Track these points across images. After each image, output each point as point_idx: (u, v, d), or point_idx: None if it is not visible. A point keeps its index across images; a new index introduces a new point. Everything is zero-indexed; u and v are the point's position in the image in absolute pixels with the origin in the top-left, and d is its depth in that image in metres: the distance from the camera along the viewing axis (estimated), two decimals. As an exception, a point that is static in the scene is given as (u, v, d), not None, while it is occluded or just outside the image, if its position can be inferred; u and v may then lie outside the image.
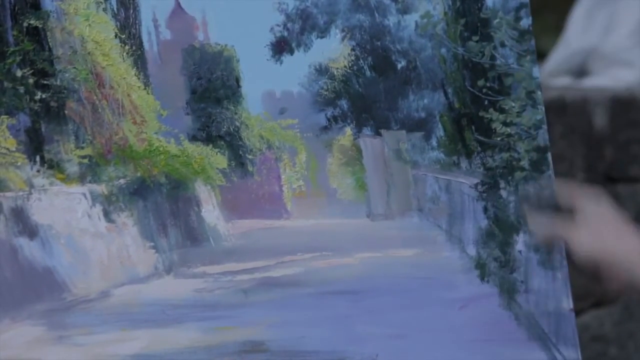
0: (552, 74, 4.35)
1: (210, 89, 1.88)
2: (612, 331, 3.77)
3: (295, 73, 1.91)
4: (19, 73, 1.77)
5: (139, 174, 1.83)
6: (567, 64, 4.35)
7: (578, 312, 3.61)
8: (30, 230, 1.73)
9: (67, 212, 1.77)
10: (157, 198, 1.83)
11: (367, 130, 1.93)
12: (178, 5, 1.87)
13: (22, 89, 1.77)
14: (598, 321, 3.73)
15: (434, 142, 1.95)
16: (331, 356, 1.81)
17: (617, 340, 3.79)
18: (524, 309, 1.91)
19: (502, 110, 1.92)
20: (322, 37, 1.93)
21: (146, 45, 1.86)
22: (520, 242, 1.93)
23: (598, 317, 3.73)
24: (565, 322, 1.91)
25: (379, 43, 1.94)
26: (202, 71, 1.88)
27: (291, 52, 1.91)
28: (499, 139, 1.89)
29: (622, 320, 3.81)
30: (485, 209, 1.93)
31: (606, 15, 4.30)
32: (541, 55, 4.58)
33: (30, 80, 1.78)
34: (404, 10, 1.95)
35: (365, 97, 1.93)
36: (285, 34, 1.91)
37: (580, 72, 4.33)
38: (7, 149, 1.74)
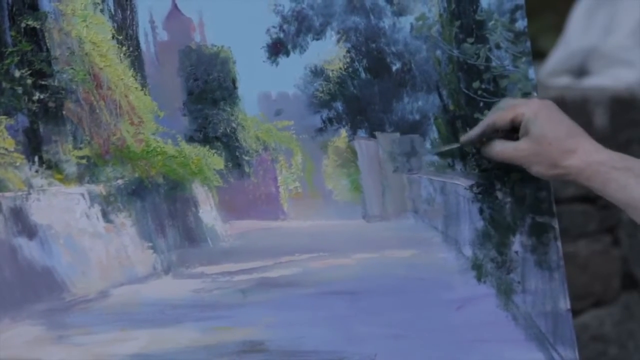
0: (552, 73, 4.36)
1: (207, 90, 1.89)
2: (612, 331, 3.78)
3: (291, 75, 1.91)
4: (17, 74, 1.78)
5: (136, 175, 1.84)
6: (567, 64, 4.35)
7: (578, 312, 3.62)
8: (29, 230, 1.74)
9: (66, 212, 1.77)
10: (155, 198, 1.84)
11: (361, 133, 1.93)
12: (175, 6, 1.87)
13: (20, 90, 1.78)
14: (598, 321, 3.73)
15: (428, 144, 1.95)
16: (330, 356, 1.82)
17: (617, 340, 3.79)
18: (521, 309, 1.91)
19: (497, 112, 1.92)
20: (317, 39, 1.93)
21: (143, 46, 1.86)
22: (516, 243, 1.93)
23: (598, 317, 3.73)
24: (562, 322, 1.91)
25: (374, 45, 1.95)
26: (198, 72, 1.89)
27: (287, 53, 1.91)
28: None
29: (622, 320, 3.81)
30: (481, 210, 1.93)
31: (606, 15, 4.30)
32: (541, 55, 4.58)
33: (29, 81, 1.78)
34: (399, 13, 1.95)
35: (360, 99, 1.94)
36: (281, 35, 1.91)
37: (580, 72, 4.33)
38: (6, 149, 1.74)
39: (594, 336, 3.72)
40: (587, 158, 1.77)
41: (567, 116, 1.81)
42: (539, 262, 1.93)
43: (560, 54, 4.42)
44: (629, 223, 3.85)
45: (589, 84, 4.12)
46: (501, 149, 1.84)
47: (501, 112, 1.83)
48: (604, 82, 4.04)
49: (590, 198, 3.65)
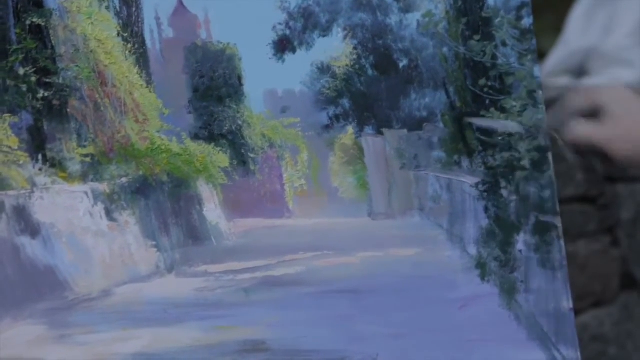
0: (552, 73, 4.35)
1: (213, 88, 1.89)
2: (612, 331, 3.77)
3: (297, 72, 1.92)
4: (21, 71, 1.78)
5: (141, 173, 1.83)
6: (567, 64, 4.34)
7: (578, 312, 3.61)
8: (32, 229, 1.73)
9: (69, 210, 1.77)
10: (159, 197, 1.84)
11: (369, 129, 1.93)
12: (180, 3, 1.87)
13: (24, 87, 1.77)
14: (598, 321, 3.73)
15: (435, 141, 1.95)
16: (332, 355, 1.82)
17: (617, 340, 3.79)
18: (524, 308, 1.91)
19: (503, 110, 1.93)
20: (324, 36, 1.93)
21: (149, 43, 1.87)
22: (520, 242, 1.93)
23: (598, 317, 3.72)
24: (565, 322, 1.91)
25: (380, 42, 1.95)
26: (204, 69, 1.89)
27: (293, 50, 1.91)
28: (500, 138, 1.90)
29: (622, 320, 3.80)
30: (486, 209, 1.93)
31: (606, 15, 4.29)
32: (541, 55, 4.58)
33: (33, 79, 1.78)
34: (406, 9, 1.95)
35: (367, 96, 1.94)
36: (288, 32, 1.91)
37: (580, 72, 4.33)
38: (10, 147, 1.74)
39: (594, 336, 3.72)
40: None
41: None
42: (542, 262, 1.93)
43: (560, 54, 4.41)
44: (629, 223, 3.84)
45: (588, 83, 4.11)
46: (583, 129, 1.83)
47: (579, 98, 1.83)
48: (604, 82, 4.03)
49: (590, 198, 3.64)
